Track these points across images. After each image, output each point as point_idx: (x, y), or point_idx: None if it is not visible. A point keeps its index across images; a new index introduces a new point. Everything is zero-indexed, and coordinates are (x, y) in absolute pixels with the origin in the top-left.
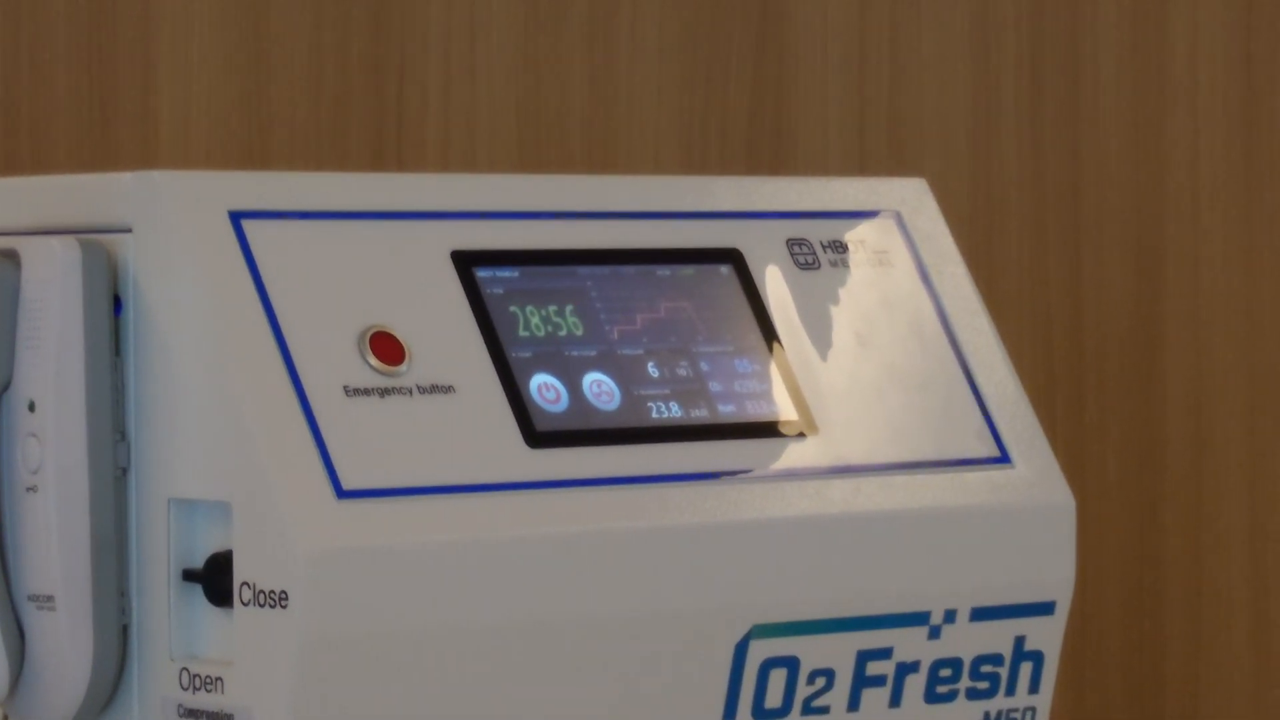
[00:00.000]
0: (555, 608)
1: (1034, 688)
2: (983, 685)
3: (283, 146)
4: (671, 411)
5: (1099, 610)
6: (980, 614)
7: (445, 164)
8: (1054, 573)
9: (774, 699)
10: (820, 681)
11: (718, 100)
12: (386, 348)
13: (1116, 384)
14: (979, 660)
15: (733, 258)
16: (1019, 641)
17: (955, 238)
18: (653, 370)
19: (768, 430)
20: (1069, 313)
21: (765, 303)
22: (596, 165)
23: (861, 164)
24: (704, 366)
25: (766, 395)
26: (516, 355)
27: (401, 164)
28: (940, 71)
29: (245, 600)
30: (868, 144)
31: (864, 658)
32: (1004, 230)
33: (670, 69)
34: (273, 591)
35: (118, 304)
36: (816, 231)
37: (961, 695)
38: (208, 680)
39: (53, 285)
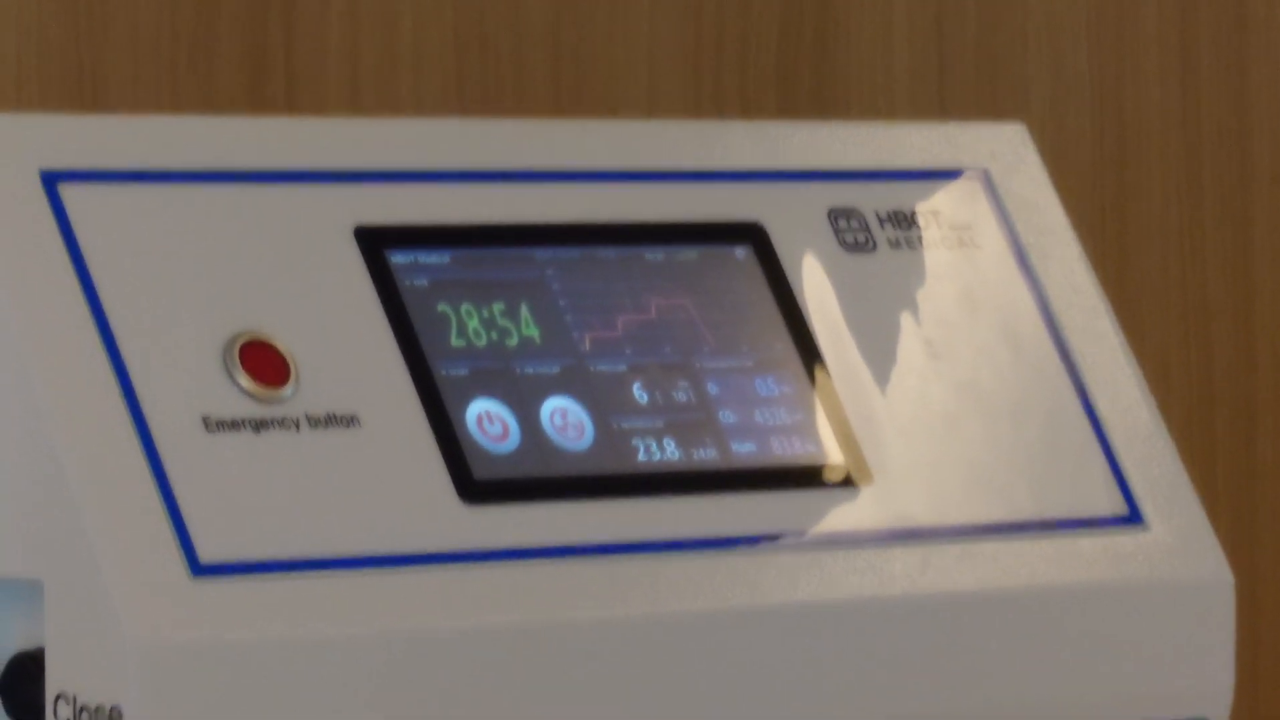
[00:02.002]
0: None
1: None
2: None
3: (123, 70)
4: (666, 453)
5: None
6: None
7: (353, 102)
8: (1205, 677)
9: None
10: None
11: (736, 10)
12: (263, 363)
13: None
14: None
15: (752, 235)
16: None
17: (1068, 205)
18: (639, 394)
19: (802, 479)
20: (1234, 306)
21: (798, 299)
22: (566, 105)
23: (941, 102)
24: (712, 389)
25: (801, 430)
26: (447, 374)
27: (291, 101)
28: None
29: (62, 719)
30: (948, 74)
31: None
32: (1141, 192)
33: None
34: (100, 707)
35: None
36: (871, 198)
37: None
38: None
39: None
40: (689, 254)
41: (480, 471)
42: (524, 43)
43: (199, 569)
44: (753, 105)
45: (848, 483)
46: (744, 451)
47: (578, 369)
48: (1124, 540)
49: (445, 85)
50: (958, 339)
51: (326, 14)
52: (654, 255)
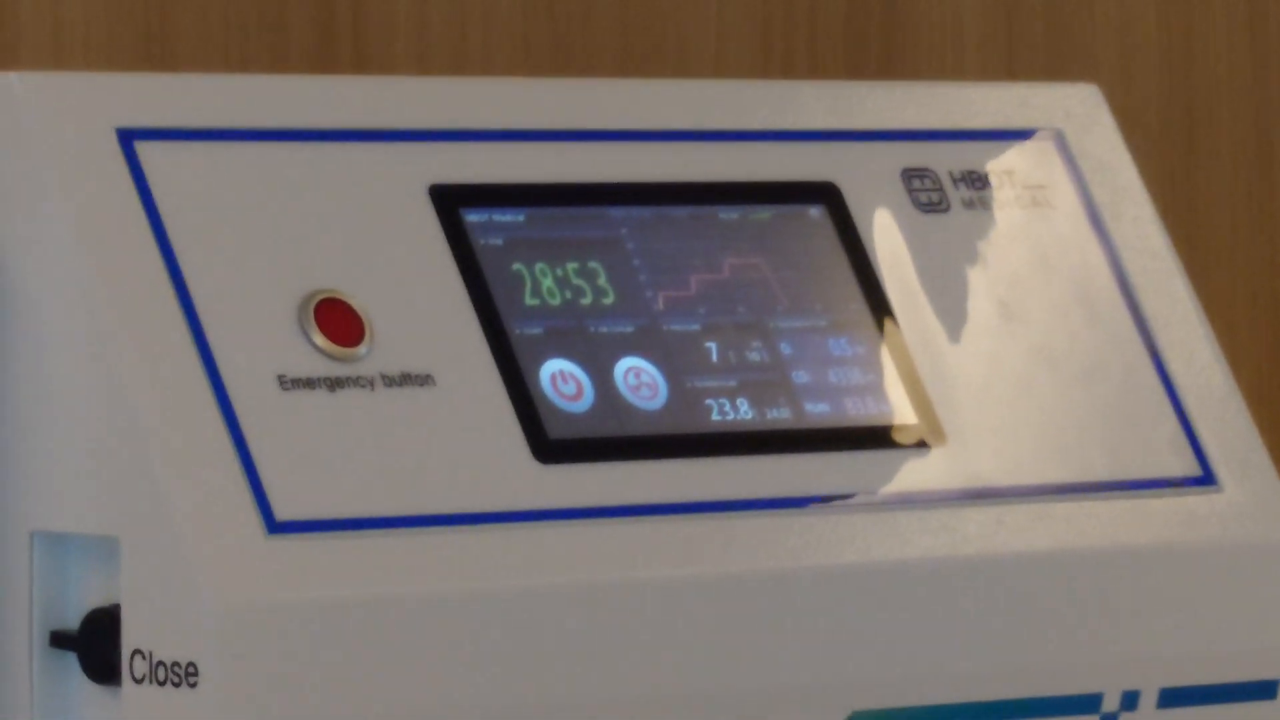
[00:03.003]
0: (575, 685)
1: None
2: None
3: (192, 32)
4: (740, 412)
5: None
6: (1172, 698)
7: (421, 62)
8: (1277, 640)
9: None
10: None
11: None
12: (338, 322)
13: None
14: None
15: (826, 195)
16: None
17: (1143, 166)
18: (713, 354)
19: (876, 439)
20: None
21: (872, 259)
22: (634, 67)
23: (1010, 62)
24: (785, 349)
25: (874, 390)
26: (521, 333)
27: (359, 62)
28: None
29: (138, 676)
30: (1016, 36)
31: None
32: (1210, 156)
33: None
34: (176, 664)
35: None
36: (944, 158)
37: None
38: None
39: None
40: (763, 213)
41: (555, 431)
42: (592, 4)
43: (275, 527)
44: (820, 67)
45: (921, 443)
46: (817, 411)
47: (651, 328)
48: (1197, 501)
49: (513, 46)
50: (1031, 299)
51: None
52: (728, 215)
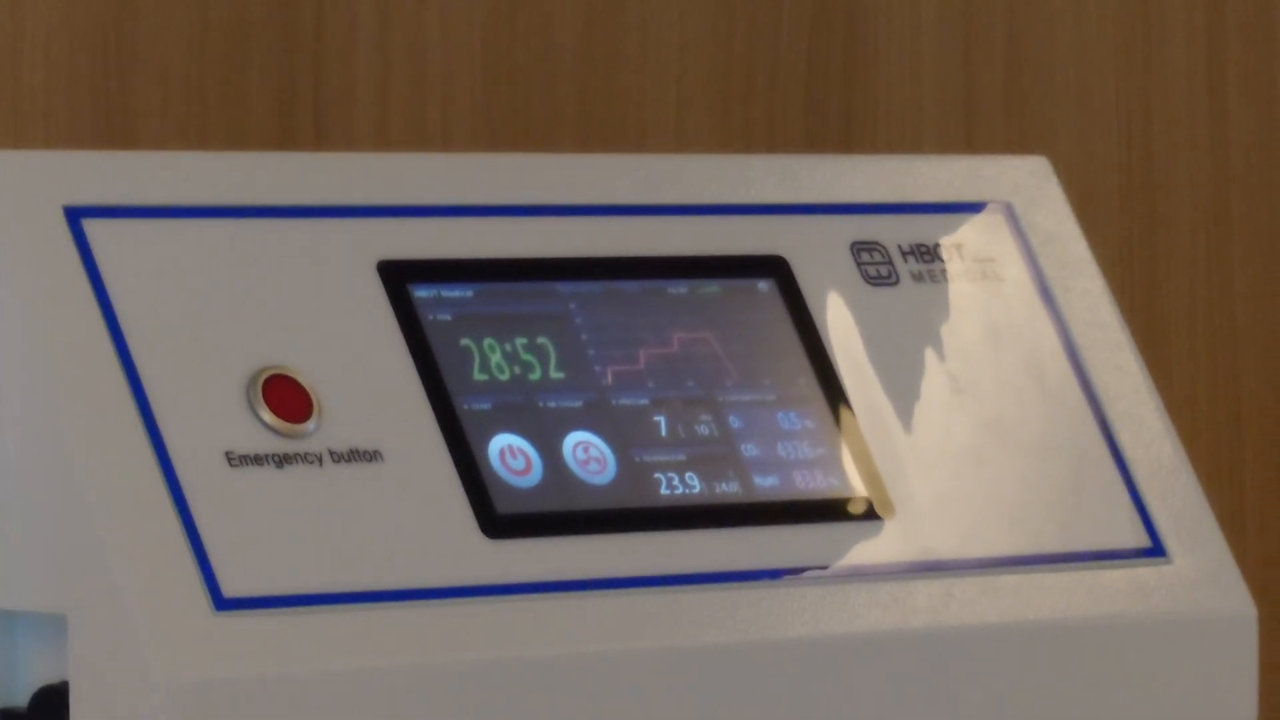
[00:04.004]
0: None
1: None
2: None
3: (152, 105)
4: (689, 486)
5: None
6: None
7: (382, 136)
8: (1229, 711)
9: None
10: None
11: (764, 44)
12: (286, 398)
13: None
14: None
15: (776, 268)
16: None
17: (1096, 238)
18: (662, 428)
19: (825, 512)
20: (1263, 336)
21: (821, 333)
22: (595, 138)
23: (968, 134)
24: (734, 423)
25: (823, 464)
26: (470, 408)
27: (320, 135)
28: None
29: None
30: (976, 107)
31: None
32: (1169, 223)
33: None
34: None
35: None
36: (893, 231)
37: None
38: None
39: None
40: (712, 288)
41: (503, 506)
42: (553, 76)
43: (223, 603)
44: (780, 139)
45: (870, 516)
46: (766, 485)
47: (600, 403)
48: (1147, 573)
49: (474, 119)
50: (981, 372)
51: (355, 48)
52: (677, 289)
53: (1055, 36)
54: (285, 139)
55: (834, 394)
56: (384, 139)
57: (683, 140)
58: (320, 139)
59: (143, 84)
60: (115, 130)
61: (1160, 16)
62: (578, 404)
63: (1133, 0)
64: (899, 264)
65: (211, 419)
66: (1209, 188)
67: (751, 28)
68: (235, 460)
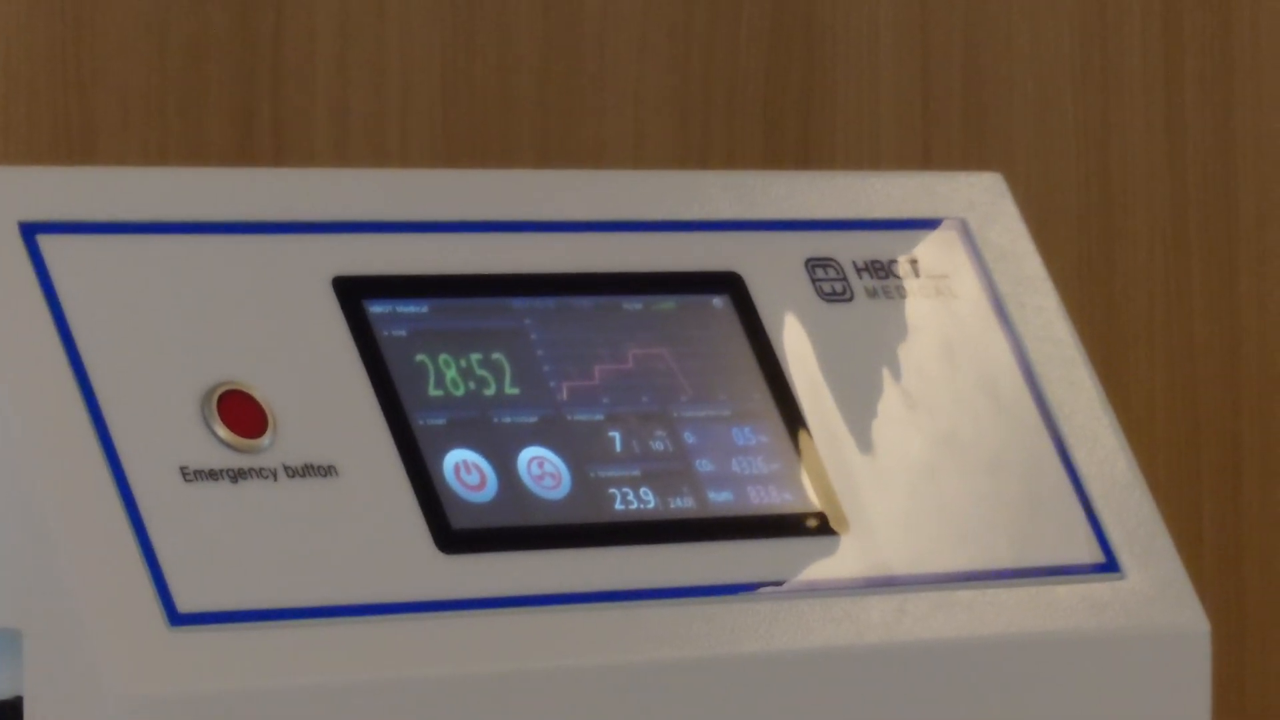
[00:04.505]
0: None
1: None
2: None
3: (112, 122)
4: (643, 502)
5: None
6: None
7: (341, 154)
8: None
9: None
10: None
11: (723, 61)
12: (241, 413)
13: None
14: None
15: (730, 284)
16: None
17: (1054, 254)
18: (617, 444)
19: (779, 528)
20: (1220, 351)
21: (775, 348)
22: (554, 155)
23: (926, 151)
24: (689, 439)
25: (777, 479)
26: (424, 423)
27: (279, 153)
28: (1036, 15)
29: None
30: (934, 123)
31: None
32: (1127, 239)
33: (659, 12)
34: None
35: None
36: (848, 248)
37: None
38: None
39: None
40: (667, 304)
41: (458, 521)
42: (512, 95)
43: (177, 619)
44: (739, 157)
45: (824, 531)
46: (721, 500)
47: (555, 418)
48: (1101, 589)
49: (433, 137)
50: (935, 388)
51: (314, 67)
52: (632, 305)
53: (1012, 53)
54: (244, 157)
55: (789, 410)
56: (343, 158)
57: (641, 159)
58: (279, 157)
59: (102, 102)
60: (75, 148)
61: (1117, 33)
62: (533, 419)
63: (1090, 17)
64: (853, 280)
65: (167, 434)
66: (1167, 203)
67: (709, 46)
68: (190, 475)
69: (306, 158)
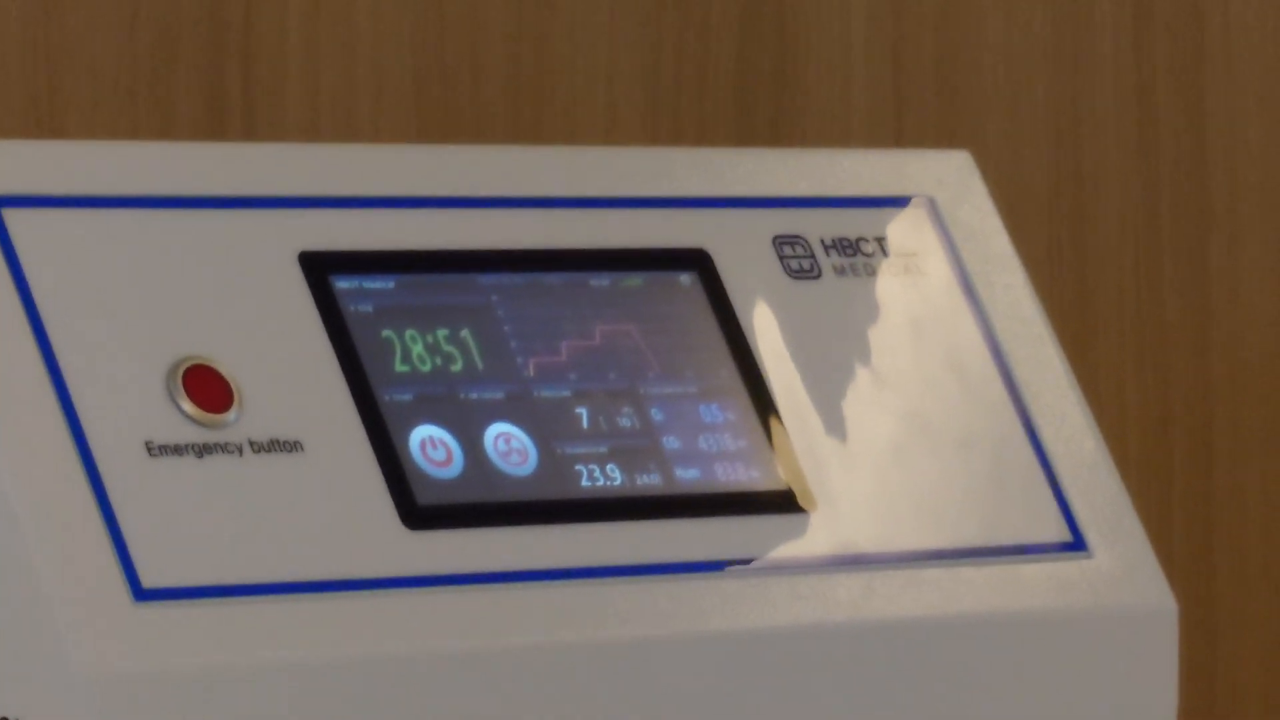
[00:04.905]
0: None
1: None
2: None
3: (81, 100)
4: (610, 479)
5: None
6: None
7: (312, 133)
8: (1149, 706)
9: None
10: None
11: (695, 42)
12: (207, 388)
13: (1259, 431)
14: None
15: (698, 261)
16: None
17: (1025, 237)
18: (584, 420)
19: (746, 505)
20: (1191, 333)
21: (743, 326)
22: (525, 136)
23: (898, 133)
24: (656, 416)
25: (745, 456)
26: (391, 399)
27: (249, 132)
28: None
29: None
30: (905, 106)
31: None
32: (1098, 221)
33: None
34: None
35: None
36: (816, 225)
37: None
38: None
39: None
40: (634, 280)
41: (424, 497)
42: (483, 74)
43: (142, 594)
44: (710, 138)
45: (792, 509)
46: (688, 478)
47: (522, 395)
48: (1068, 567)
49: (404, 116)
50: (902, 366)
51: (285, 45)
52: (599, 281)
53: (984, 36)
54: (215, 136)
55: (756, 387)
56: (314, 137)
57: (613, 140)
58: (250, 136)
59: (72, 80)
60: (44, 126)
61: (1089, 16)
62: (499, 396)
63: (1060, 13)
64: (821, 257)
65: (132, 409)
66: (1138, 187)
67: (681, 27)
68: (155, 450)
69: (277, 137)
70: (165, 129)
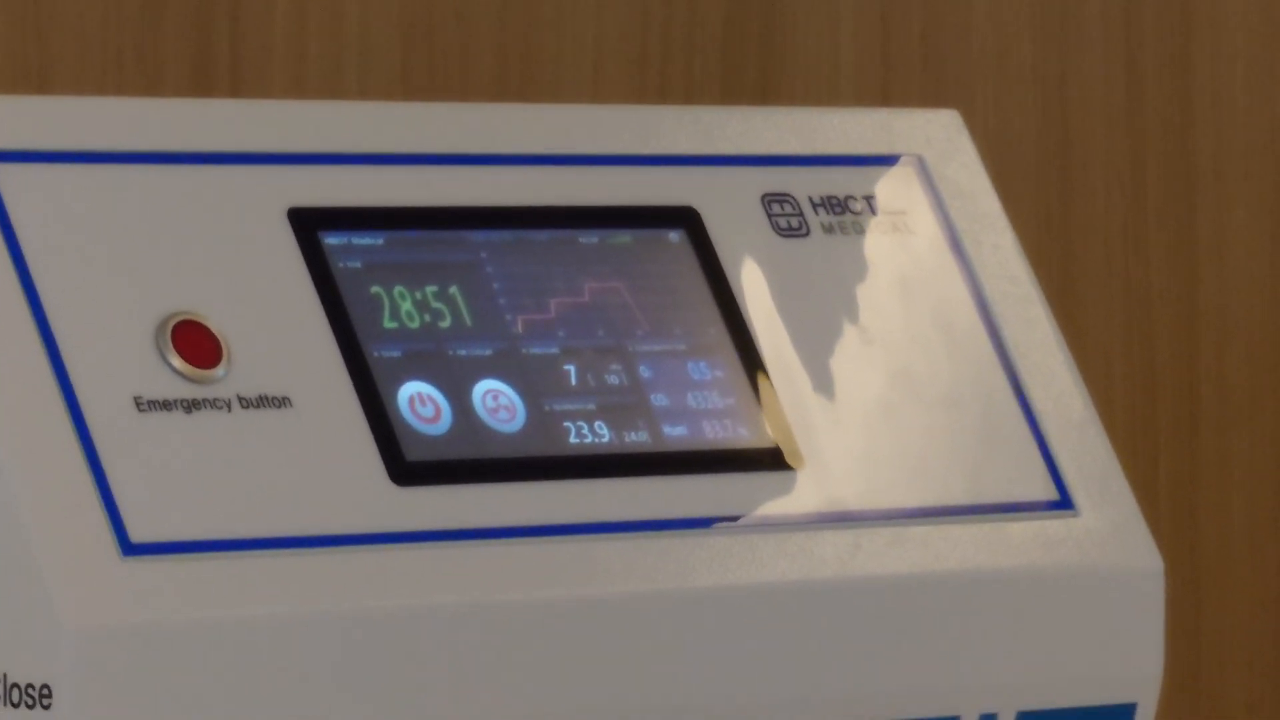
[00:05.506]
0: (427, 710)
1: None
2: None
3: (69, 62)
4: (598, 435)
5: (1218, 714)
6: None
7: (298, 93)
8: (1134, 664)
9: None
10: None
11: (682, 2)
12: (196, 344)
13: (1245, 396)
14: None
15: (686, 219)
16: None
17: (1011, 202)
18: (572, 377)
19: (734, 462)
20: (1177, 299)
21: (731, 283)
22: (512, 97)
23: (886, 92)
24: (644, 373)
25: (732, 414)
26: (379, 355)
27: (236, 82)
28: None
29: None
30: (893, 68)
31: None
32: (1085, 186)
33: None
34: (30, 686)
35: None
36: (804, 184)
37: None
38: None
39: None
40: (623, 238)
41: (412, 453)
42: (470, 35)
43: (130, 549)
44: (697, 96)
45: (779, 466)
46: (675, 435)
47: (510, 351)
48: (1055, 526)
49: (390, 76)
50: (891, 324)
51: (272, 8)
52: (588, 239)
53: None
54: (201, 96)
55: (744, 345)
56: (300, 97)
57: (600, 100)
58: (236, 96)
59: (59, 42)
60: (31, 87)
61: None
62: (488, 352)
63: None
64: (810, 216)
65: (121, 364)
66: (1125, 153)
67: None
68: (144, 405)
69: (264, 97)
70: (152, 89)
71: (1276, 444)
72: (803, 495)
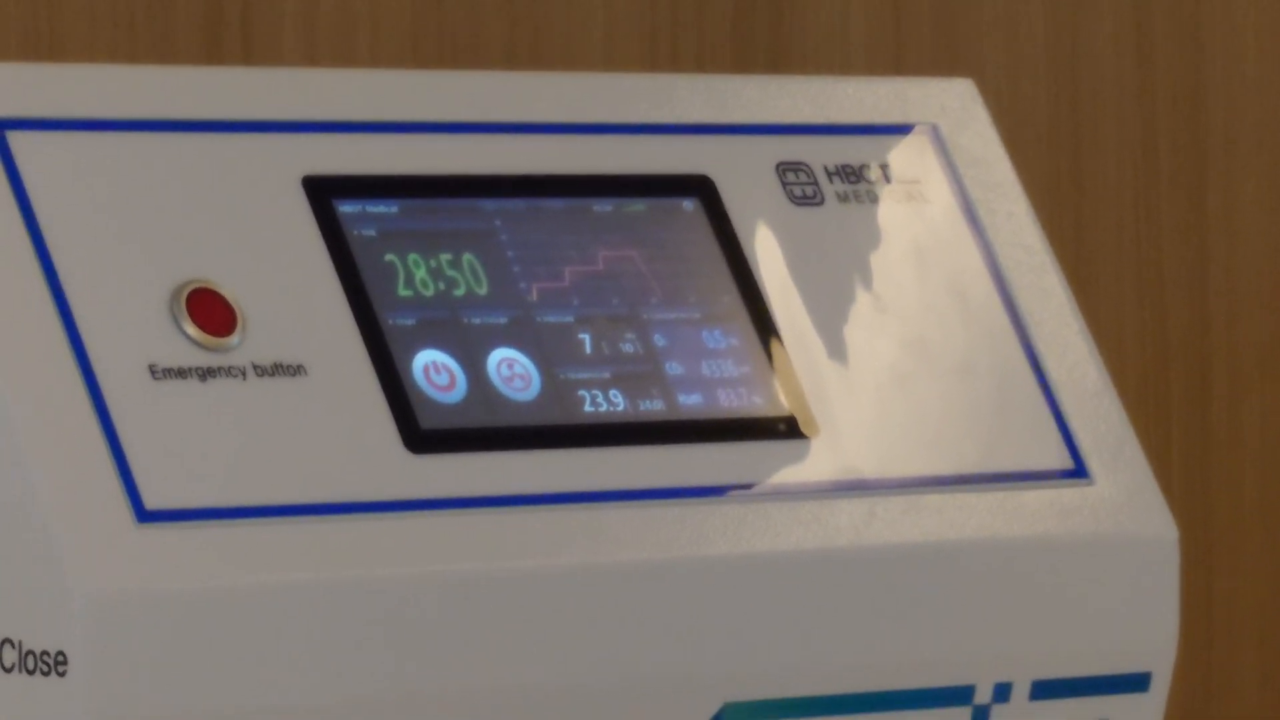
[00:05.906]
0: (441, 677)
1: None
2: None
3: (79, 30)
4: (613, 403)
5: (1231, 684)
6: (1044, 690)
7: (311, 61)
8: (1149, 633)
9: None
10: None
11: None
12: (210, 312)
13: (1257, 367)
14: None
15: (701, 188)
16: None
17: (1023, 171)
18: (587, 346)
19: (748, 430)
20: (1188, 270)
21: (746, 252)
22: (522, 65)
23: (897, 62)
24: (659, 341)
25: (747, 382)
26: (394, 323)
27: (248, 52)
28: None
29: (7, 665)
30: (904, 37)
31: None
32: (1096, 157)
33: None
34: (46, 653)
35: None
36: (819, 152)
37: None
38: None
39: None
40: (637, 206)
41: (427, 421)
42: (481, 5)
43: (145, 516)
44: (708, 66)
45: (794, 435)
46: (690, 403)
47: (525, 319)
48: (1069, 494)
49: (401, 45)
50: (905, 293)
51: None
52: (602, 207)
53: None
54: (212, 63)
55: (759, 313)
56: (311, 64)
57: (610, 70)
58: (247, 63)
59: (70, 11)
60: (43, 57)
61: None
62: (502, 320)
63: None
64: (824, 184)
65: (135, 332)
66: (1136, 123)
67: None
68: (159, 373)
69: (274, 64)
70: (164, 58)
71: None
72: (817, 464)
